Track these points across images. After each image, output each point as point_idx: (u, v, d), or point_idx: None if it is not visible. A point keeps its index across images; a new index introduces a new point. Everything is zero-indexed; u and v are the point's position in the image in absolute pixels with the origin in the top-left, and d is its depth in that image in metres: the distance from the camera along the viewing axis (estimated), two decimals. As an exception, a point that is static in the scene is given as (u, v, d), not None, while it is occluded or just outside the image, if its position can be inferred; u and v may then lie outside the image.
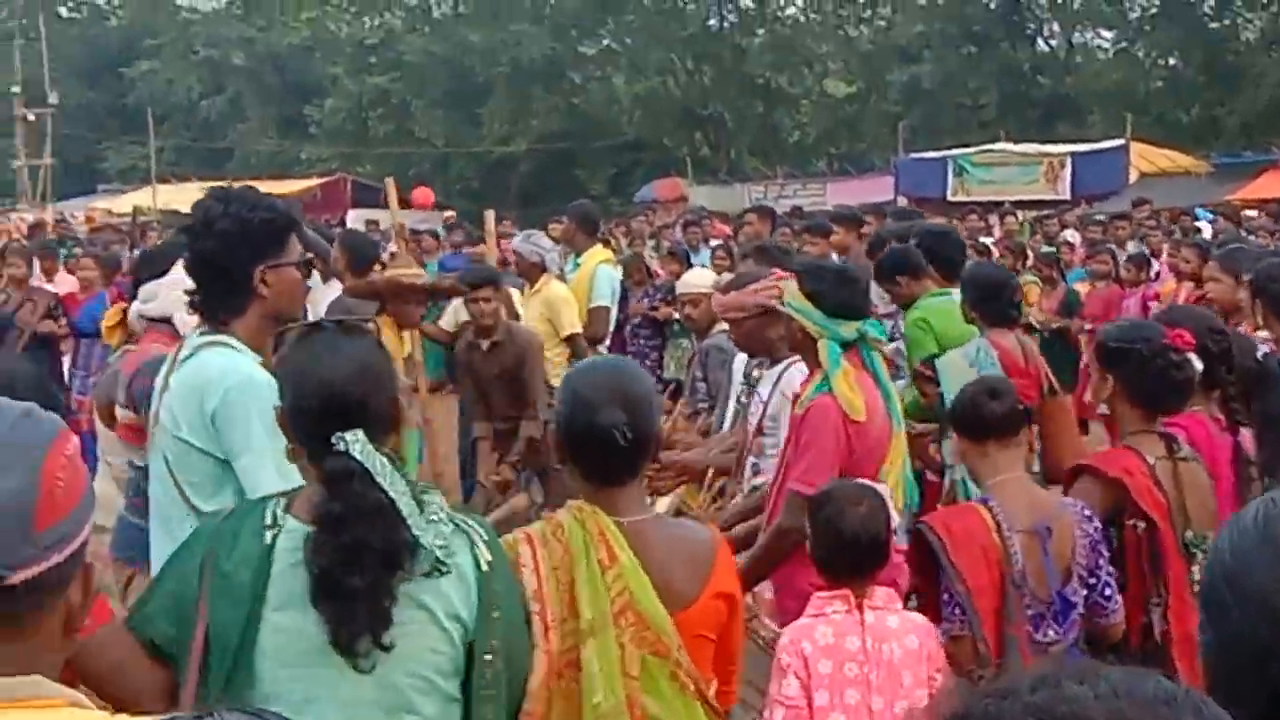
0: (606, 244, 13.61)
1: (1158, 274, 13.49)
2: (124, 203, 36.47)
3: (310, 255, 4.06)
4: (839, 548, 4.19)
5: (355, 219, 28.25)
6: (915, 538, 4.35)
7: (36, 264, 14.10)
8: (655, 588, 3.20)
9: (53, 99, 47.68)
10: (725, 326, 7.79)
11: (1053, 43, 44.94)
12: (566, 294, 9.75)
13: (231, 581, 2.85)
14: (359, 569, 2.77)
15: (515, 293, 9.67)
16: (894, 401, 5.16)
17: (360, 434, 2.84)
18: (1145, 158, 31.05)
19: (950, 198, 29.39)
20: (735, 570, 3.44)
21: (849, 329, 5.01)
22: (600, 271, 10.64)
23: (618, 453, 3.23)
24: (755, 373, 6.29)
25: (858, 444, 4.91)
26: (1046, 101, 42.22)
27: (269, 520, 2.90)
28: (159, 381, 4.01)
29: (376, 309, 7.30)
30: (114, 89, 57.21)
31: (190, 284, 4.88)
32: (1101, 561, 4.28)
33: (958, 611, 4.18)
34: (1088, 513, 4.30)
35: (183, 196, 35.80)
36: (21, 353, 12.03)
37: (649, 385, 3.53)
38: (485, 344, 8.67)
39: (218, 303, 3.91)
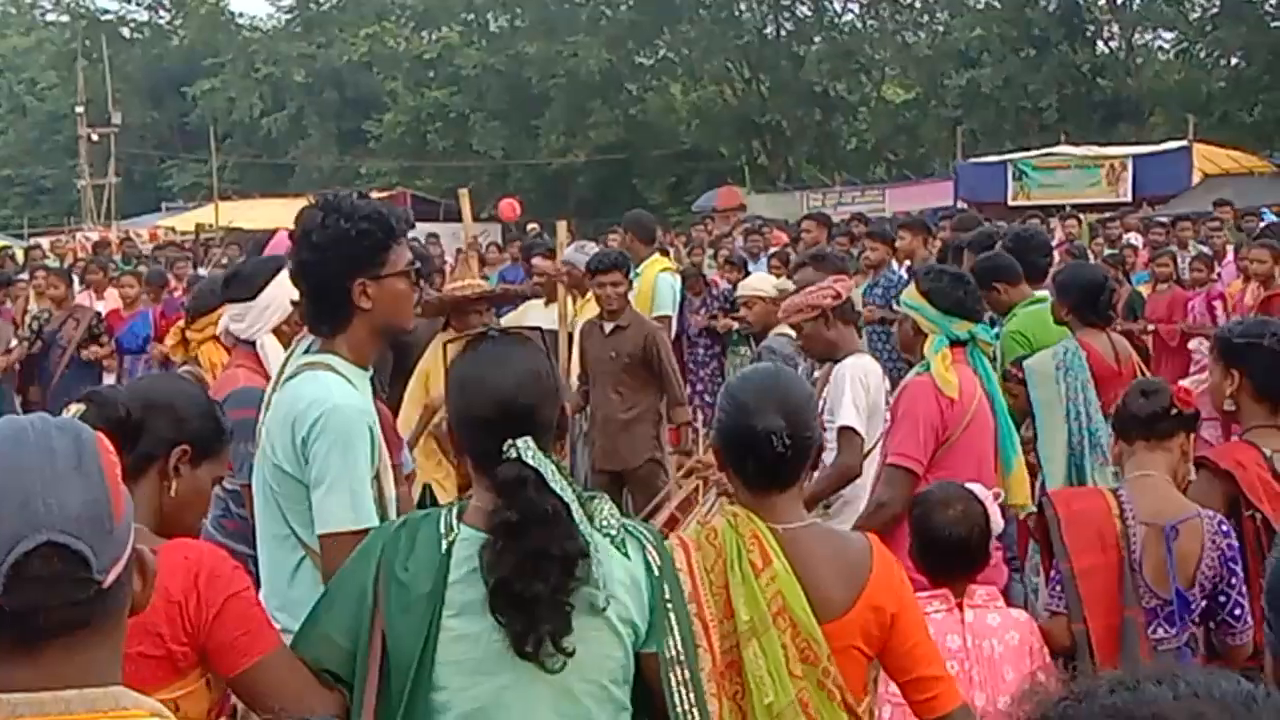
0: (665, 253, 13.65)
1: (1218, 275, 13.39)
2: (188, 220, 36.84)
3: (418, 264, 3.93)
4: (933, 548, 4.29)
5: (415, 233, 28.38)
6: (1037, 513, 4.43)
7: (77, 281, 14.28)
8: (807, 595, 3.23)
9: (116, 119, 48.15)
10: (783, 330, 7.85)
11: (1113, 44, 44.50)
12: None
13: (409, 590, 2.87)
14: (539, 575, 2.79)
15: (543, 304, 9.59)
16: (1000, 402, 5.41)
17: (530, 441, 2.87)
18: (1208, 159, 30.67)
19: (1010, 202, 29.17)
20: (896, 582, 3.38)
21: (961, 327, 5.35)
22: (661, 280, 10.69)
23: (775, 459, 3.29)
24: (815, 374, 6.38)
25: (952, 421, 5.17)
26: (1107, 103, 41.84)
27: (444, 528, 2.92)
28: (268, 396, 3.94)
29: (441, 324, 7.33)
30: (176, 108, 57.75)
31: (275, 306, 4.95)
32: (1235, 581, 4.24)
33: (1059, 589, 4.25)
34: (1225, 528, 4.26)
35: (245, 213, 36.16)
36: (65, 370, 12.19)
37: (808, 392, 3.60)
38: (609, 326, 8.57)
39: (320, 316, 3.82)
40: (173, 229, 34.14)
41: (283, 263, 5.37)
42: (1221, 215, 18.62)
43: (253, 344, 5.34)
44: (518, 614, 2.81)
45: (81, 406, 3.06)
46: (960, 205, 29.01)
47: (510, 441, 2.86)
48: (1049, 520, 4.31)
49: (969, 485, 4.46)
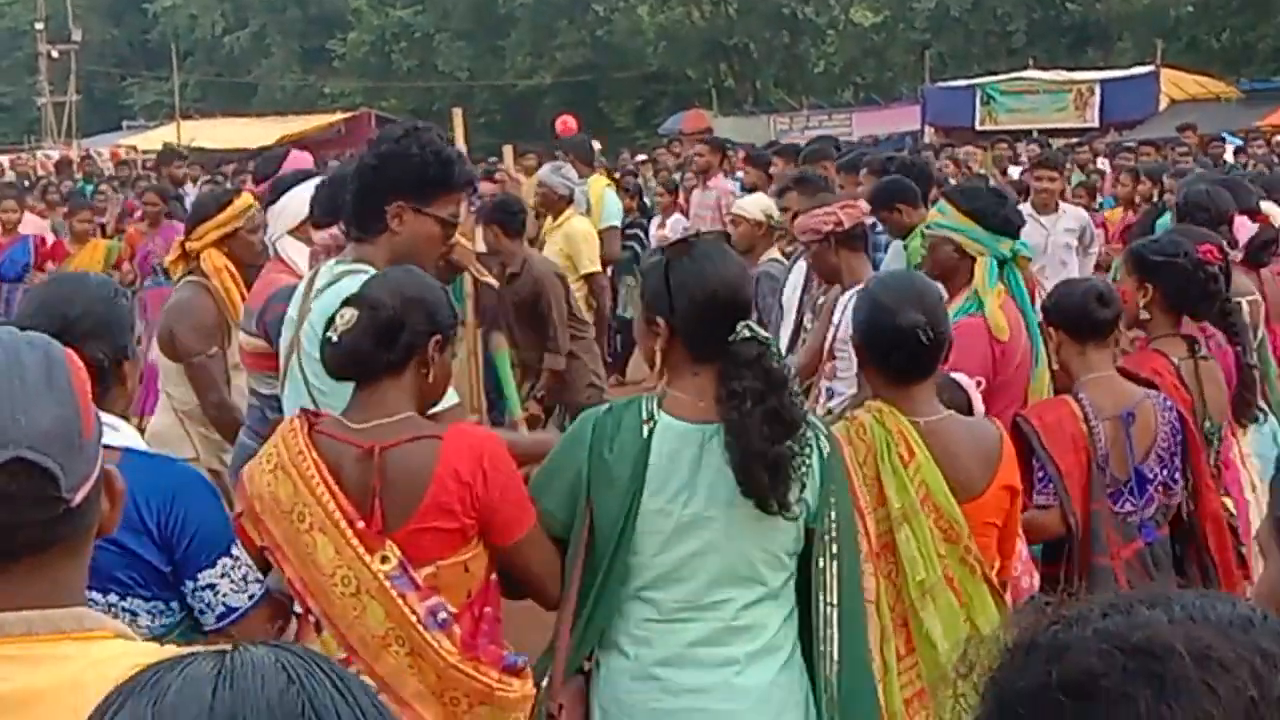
0: (608, 173, 14.57)
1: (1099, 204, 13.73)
2: (150, 139, 36.47)
3: (456, 220, 4.08)
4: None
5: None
6: (1012, 429, 4.55)
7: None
8: (947, 480, 3.65)
9: (76, 35, 47.57)
10: (774, 254, 7.85)
11: (1082, -32, 44.45)
12: (588, 230, 9.73)
13: (613, 469, 3.27)
14: (775, 436, 3.15)
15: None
16: (1034, 324, 5.35)
17: (753, 323, 3.26)
18: (1175, 84, 30.75)
19: (978, 126, 29.20)
20: (1016, 464, 3.90)
21: (1005, 246, 5.32)
22: (607, 195, 11.43)
23: (917, 352, 3.70)
24: (821, 299, 6.40)
25: (1002, 365, 5.15)
26: (1075, 27, 41.78)
27: (645, 415, 3.29)
28: (296, 309, 4.10)
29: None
30: (137, 24, 57.14)
31: (290, 211, 5.33)
32: (1177, 446, 4.64)
33: (1050, 486, 4.52)
34: (1169, 402, 4.67)
35: (208, 132, 35.88)
36: None
37: (941, 293, 4.02)
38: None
39: (358, 218, 4.01)
40: (134, 148, 33.77)
41: (311, 175, 5.88)
42: (1187, 140, 18.66)
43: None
44: (765, 473, 3.14)
45: (355, 311, 3.26)
46: (928, 129, 29.04)
47: (744, 323, 3.23)
48: (1027, 434, 4.52)
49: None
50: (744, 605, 3.28)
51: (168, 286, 12.19)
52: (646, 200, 15.24)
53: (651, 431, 3.25)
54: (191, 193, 16.68)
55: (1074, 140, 22.18)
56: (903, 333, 3.64)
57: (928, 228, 5.61)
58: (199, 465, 5.52)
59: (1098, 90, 30.06)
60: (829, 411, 5.76)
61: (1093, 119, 29.29)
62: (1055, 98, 30.69)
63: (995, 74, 33.41)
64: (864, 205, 6.23)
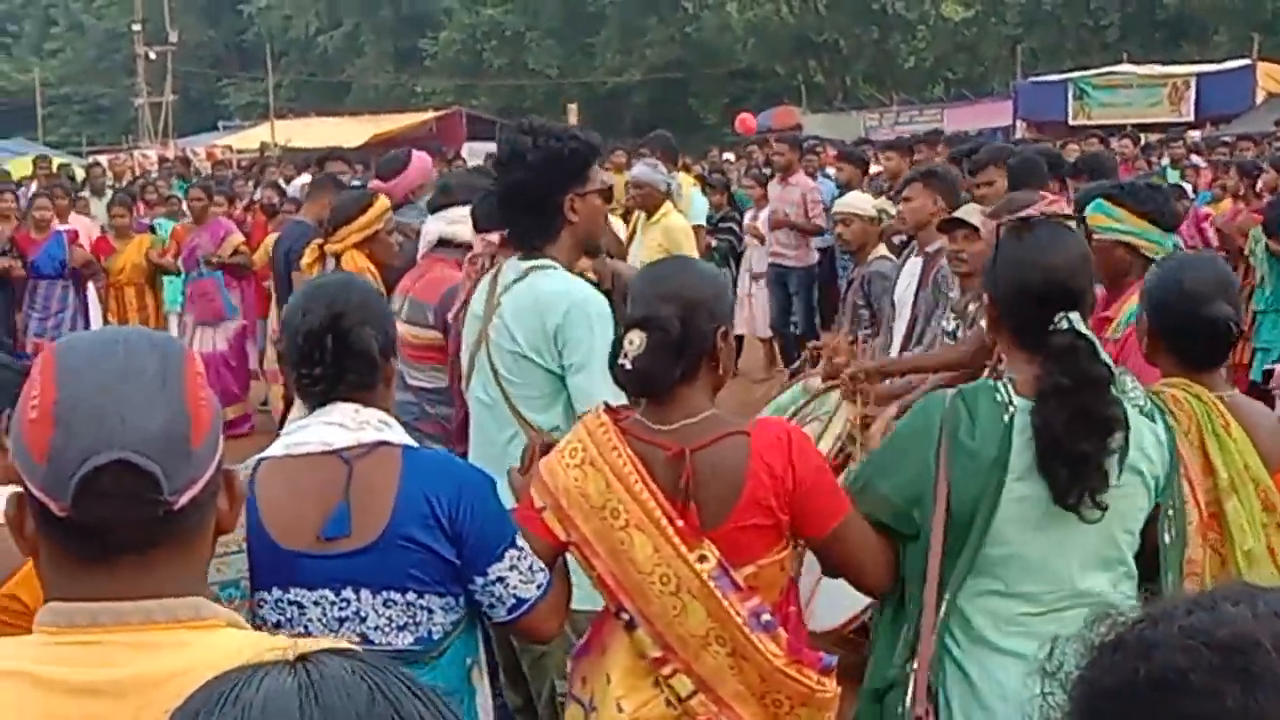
0: (687, 169, 14.76)
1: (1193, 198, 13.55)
2: (245, 139, 36.92)
3: (609, 185, 4.31)
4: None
5: (470, 152, 28.35)
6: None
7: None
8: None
9: (173, 36, 48.18)
10: (882, 251, 7.83)
11: (1177, -40, 43.80)
12: (685, 225, 9.67)
13: (975, 456, 3.18)
14: (1085, 435, 3.10)
15: (619, 223, 9.57)
16: None
17: (1078, 315, 3.19)
18: (1272, 77, 30.20)
19: (1071, 122, 28.87)
20: None
21: (1171, 241, 5.34)
22: (693, 195, 11.51)
23: (1221, 341, 3.75)
24: (971, 307, 6.36)
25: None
26: (1170, 21, 41.18)
27: (1002, 399, 3.22)
28: (481, 304, 4.24)
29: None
30: (232, 25, 57.81)
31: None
32: None
33: None
34: None
35: (301, 132, 36.23)
36: None
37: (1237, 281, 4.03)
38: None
39: (531, 231, 4.15)
40: (229, 148, 34.22)
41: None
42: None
43: (460, 246, 5.70)
44: (1064, 470, 3.12)
45: (642, 334, 3.21)
46: (1019, 125, 28.76)
47: (1063, 314, 3.16)
48: None
49: None
50: (1113, 585, 3.24)
51: (208, 279, 12.49)
52: (736, 194, 15.23)
53: (1012, 416, 3.18)
54: (291, 190, 16.90)
55: (1167, 135, 21.88)
56: (1212, 324, 3.69)
57: (1095, 231, 5.61)
58: None
59: (1193, 84, 29.61)
60: None
61: (1188, 113, 28.87)
62: (1150, 92, 30.28)
63: (1088, 68, 32.99)
64: (1061, 200, 6.20)
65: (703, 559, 3.15)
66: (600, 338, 3.91)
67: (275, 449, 3.13)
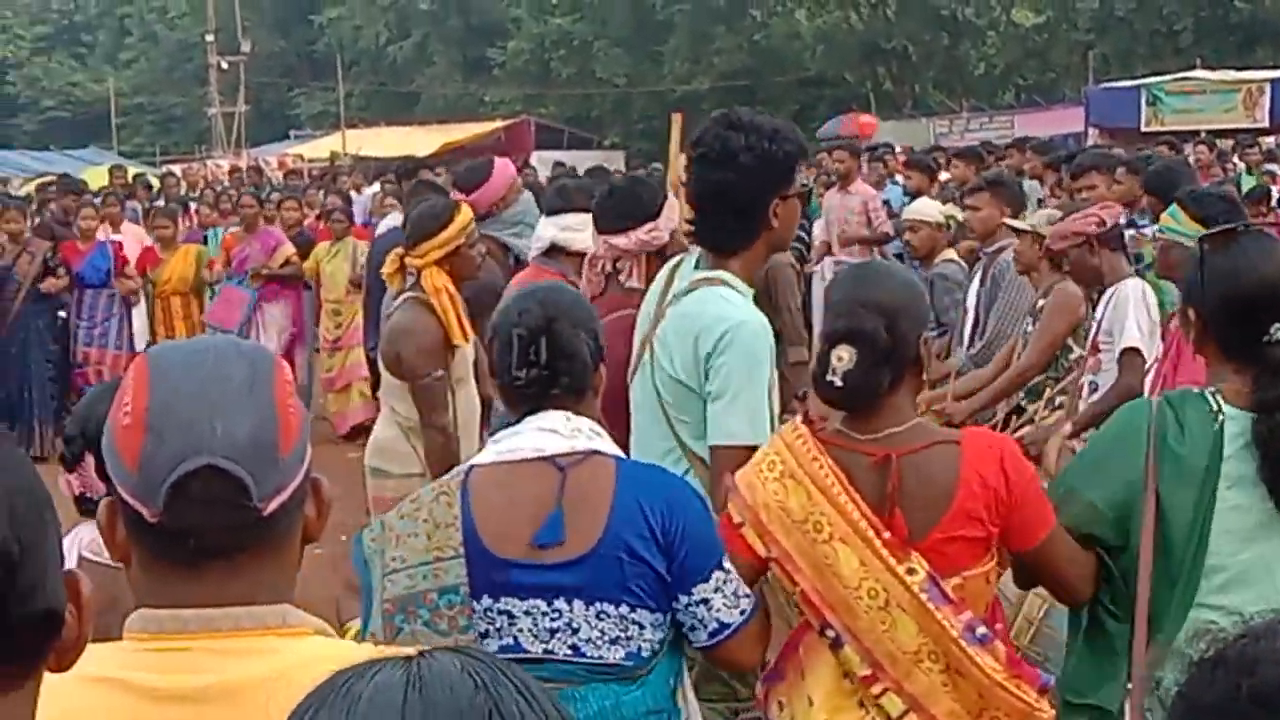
0: None
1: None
2: (316, 148, 37.23)
3: (809, 185, 4.10)
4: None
5: (539, 160, 28.46)
6: None
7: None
8: None
9: (245, 47, 48.65)
10: (949, 255, 7.84)
11: (1252, -35, 43.32)
12: None
13: (1185, 464, 3.11)
14: None
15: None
16: None
17: None
18: (1350, 82, 29.82)
19: (1143, 128, 28.56)
20: None
21: None
22: None
23: None
24: (1041, 302, 6.52)
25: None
26: (1244, 26, 40.70)
27: (1211, 407, 3.15)
28: (651, 307, 4.08)
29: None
30: (304, 35, 58.30)
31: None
32: None
33: None
34: None
35: (371, 141, 36.52)
36: (22, 306, 12.19)
37: None
38: None
39: (727, 234, 3.93)
40: (301, 156, 34.52)
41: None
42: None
43: (557, 254, 5.78)
44: None
45: (850, 349, 3.13)
46: (1091, 132, 28.53)
47: (1277, 325, 3.09)
48: None
49: None
50: None
51: (234, 287, 12.58)
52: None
53: (1222, 425, 3.11)
54: (360, 200, 17.02)
55: (1238, 141, 21.63)
56: None
57: (1160, 231, 5.76)
58: (424, 480, 5.65)
59: (1268, 90, 29.23)
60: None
61: (1262, 119, 28.49)
62: (1223, 98, 29.91)
63: (1161, 74, 32.65)
64: (1118, 208, 6.30)
65: (911, 571, 3.07)
66: (746, 366, 3.75)
67: (487, 455, 3.12)
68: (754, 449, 3.41)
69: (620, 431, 3.76)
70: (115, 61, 62.64)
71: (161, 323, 12.88)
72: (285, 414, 1.78)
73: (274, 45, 57.64)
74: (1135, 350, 5.79)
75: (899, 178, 14.56)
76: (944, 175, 13.89)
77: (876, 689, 3.10)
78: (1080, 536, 3.20)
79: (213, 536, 1.74)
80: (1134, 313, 5.82)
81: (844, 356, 3.11)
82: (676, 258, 4.21)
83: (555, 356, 3.05)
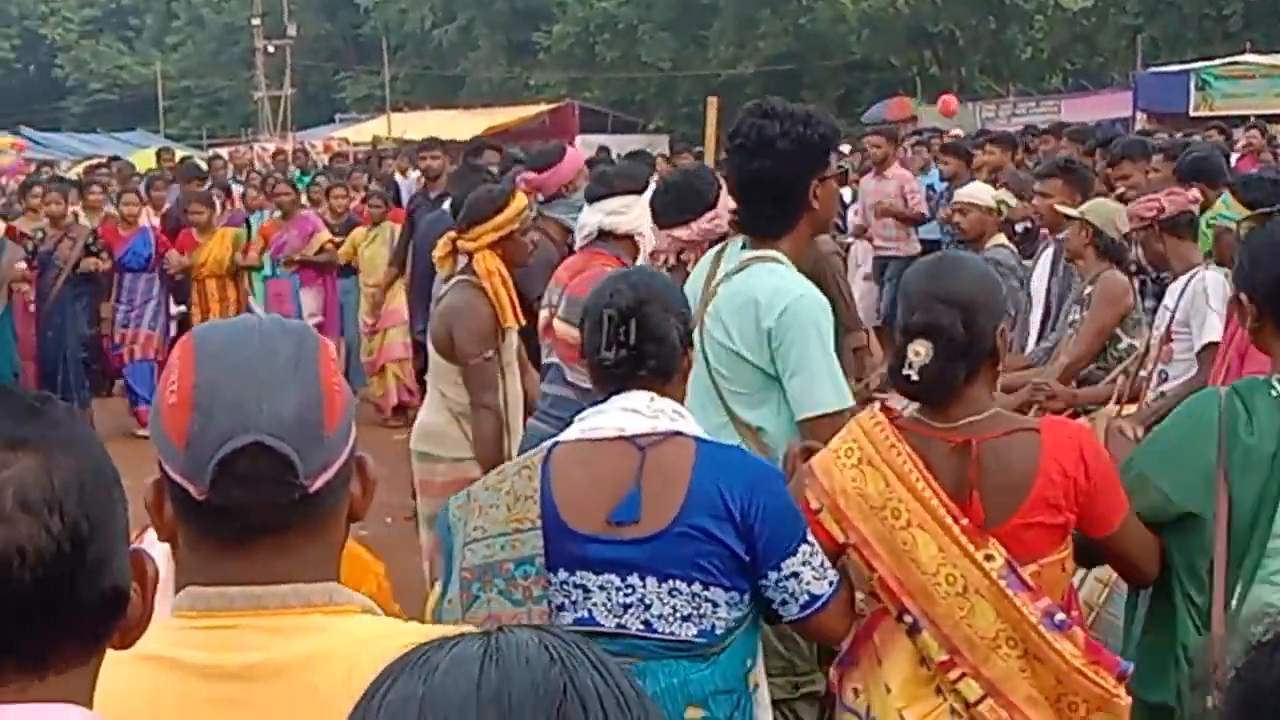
0: None
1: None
2: (361, 132, 37.34)
3: (844, 168, 4.28)
4: None
5: (584, 145, 28.46)
6: None
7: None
8: None
9: (291, 30, 48.93)
10: (1000, 240, 7.83)
11: (1304, -53, 42.87)
12: None
13: (1254, 451, 3.13)
14: None
15: None
16: None
17: None
18: (1402, 66, 29.52)
19: (1192, 113, 28.34)
20: None
21: None
22: None
23: None
24: (1089, 289, 6.50)
25: None
26: (1296, 10, 40.35)
27: (1277, 394, 3.17)
28: (699, 290, 4.15)
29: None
30: (349, 19, 58.49)
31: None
32: None
33: None
34: None
35: (416, 125, 36.56)
36: (62, 290, 12.25)
37: None
38: None
39: (770, 219, 4.07)
40: (346, 140, 34.63)
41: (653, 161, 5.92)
42: None
43: (607, 238, 5.76)
44: None
45: (927, 343, 3.16)
46: (1139, 117, 28.32)
47: None
48: None
49: None
50: None
51: (282, 279, 12.61)
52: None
53: None
54: (406, 183, 17.07)
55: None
56: None
57: (1214, 218, 5.79)
58: (473, 465, 5.74)
59: (1320, 74, 29.01)
60: (1162, 394, 5.85)
61: (1314, 104, 28.26)
62: (1274, 82, 29.61)
63: (1211, 58, 32.40)
64: (1193, 193, 6.23)
65: (989, 558, 3.10)
66: (816, 338, 3.87)
67: (571, 432, 3.20)
68: (843, 413, 3.56)
69: None
70: (162, 45, 63.00)
71: (197, 305, 12.91)
72: (330, 392, 1.79)
73: (320, 29, 57.85)
74: (1216, 345, 5.69)
75: (936, 163, 14.52)
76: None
77: (954, 674, 3.13)
78: (1149, 521, 3.24)
79: (259, 514, 1.75)
80: (1217, 306, 5.71)
81: (921, 351, 3.14)
82: (720, 244, 4.31)
83: (644, 339, 3.12)
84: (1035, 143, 15.20)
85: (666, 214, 5.28)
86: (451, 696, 1.11)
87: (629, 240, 5.73)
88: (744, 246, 4.12)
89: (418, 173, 14.86)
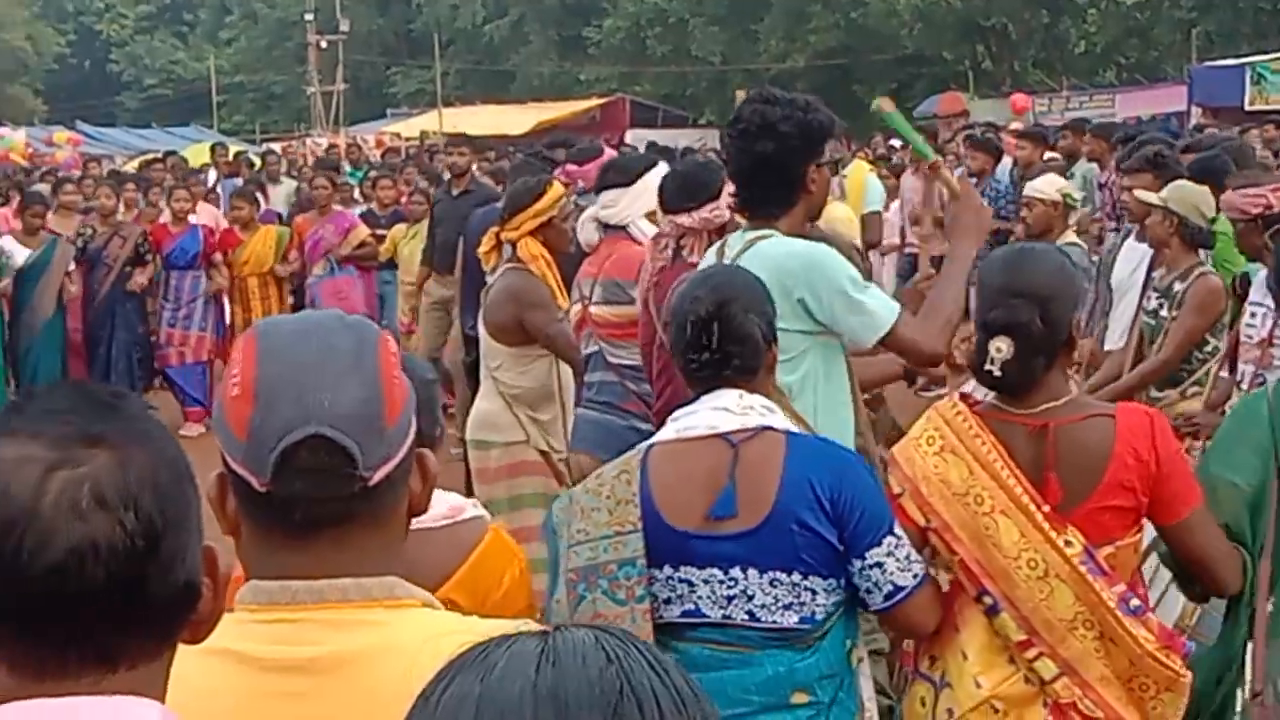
0: (867, 157, 14.58)
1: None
2: (412, 127, 37.46)
3: (839, 157, 4.40)
4: None
5: (635, 139, 28.47)
6: None
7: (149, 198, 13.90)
8: None
9: (344, 26, 49.12)
10: (1070, 236, 7.77)
11: (1362, -61, 42.36)
12: (848, 214, 9.58)
13: None
14: None
15: None
16: None
17: None
18: None
19: (1248, 107, 28.06)
20: None
21: None
22: (870, 180, 11.22)
23: None
24: (1177, 286, 6.46)
25: None
26: (1354, 2, 39.90)
27: None
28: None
29: None
30: (401, 14, 58.70)
31: (651, 191, 5.58)
32: None
33: None
34: None
35: (468, 120, 36.66)
36: (111, 289, 12.23)
37: None
38: None
39: (771, 200, 4.21)
40: (398, 135, 34.76)
41: (657, 156, 6.37)
42: None
43: (621, 228, 5.96)
44: None
45: (1007, 340, 3.25)
46: (1194, 111, 28.08)
47: None
48: None
49: None
50: None
51: (342, 276, 12.56)
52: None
53: None
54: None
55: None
56: None
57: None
58: (527, 448, 6.01)
59: (1379, 67, 28.68)
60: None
61: (1373, 98, 27.96)
62: (1332, 76, 29.37)
63: (1266, 52, 32.08)
64: None
65: (1069, 544, 3.20)
66: (844, 274, 3.99)
67: (665, 432, 3.30)
68: (900, 318, 3.82)
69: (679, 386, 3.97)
70: (216, 40, 63.42)
71: (238, 303, 12.83)
72: (391, 386, 1.80)
73: (372, 24, 58.06)
74: None
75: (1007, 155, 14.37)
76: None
77: (1031, 653, 3.24)
78: (1227, 526, 3.32)
79: (320, 506, 1.76)
80: None
81: (1002, 348, 3.24)
82: (719, 241, 4.47)
83: (727, 340, 3.22)
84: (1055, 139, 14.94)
85: (673, 200, 5.42)
86: (508, 695, 1.12)
87: (624, 231, 5.97)
88: (746, 230, 4.27)
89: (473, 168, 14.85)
